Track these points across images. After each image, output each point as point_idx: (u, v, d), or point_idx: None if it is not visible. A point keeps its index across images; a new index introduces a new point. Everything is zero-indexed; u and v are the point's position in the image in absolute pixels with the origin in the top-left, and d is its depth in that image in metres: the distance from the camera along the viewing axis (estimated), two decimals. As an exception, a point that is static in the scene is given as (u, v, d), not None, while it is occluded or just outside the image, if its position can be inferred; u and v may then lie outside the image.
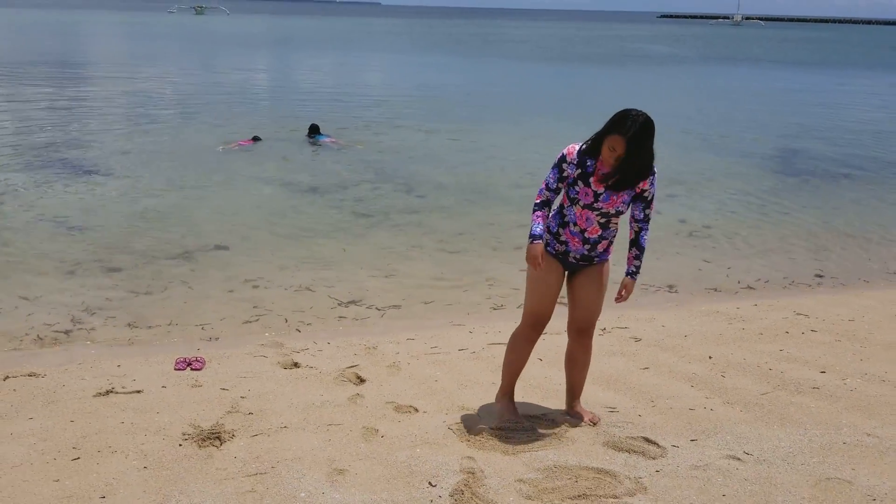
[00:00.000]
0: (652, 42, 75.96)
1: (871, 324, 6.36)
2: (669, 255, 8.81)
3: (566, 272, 4.25)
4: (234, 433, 4.19)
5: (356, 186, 11.63)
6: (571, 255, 4.14)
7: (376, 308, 6.90)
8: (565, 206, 4.09)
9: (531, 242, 4.02)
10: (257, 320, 6.51)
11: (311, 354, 5.60)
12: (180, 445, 4.05)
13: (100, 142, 14.43)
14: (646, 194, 4.02)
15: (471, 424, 4.28)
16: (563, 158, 4.04)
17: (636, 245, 4.17)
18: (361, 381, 5.04)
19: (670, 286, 7.79)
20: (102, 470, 3.78)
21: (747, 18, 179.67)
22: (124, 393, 4.80)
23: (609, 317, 6.63)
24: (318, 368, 5.28)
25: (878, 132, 19.34)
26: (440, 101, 23.37)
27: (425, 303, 7.12)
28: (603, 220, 4.03)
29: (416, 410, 4.52)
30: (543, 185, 4.10)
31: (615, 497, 3.48)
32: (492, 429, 4.21)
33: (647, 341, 5.91)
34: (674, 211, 10.74)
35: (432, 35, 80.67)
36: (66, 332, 6.17)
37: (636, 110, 3.87)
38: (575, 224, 4.05)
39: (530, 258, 4.04)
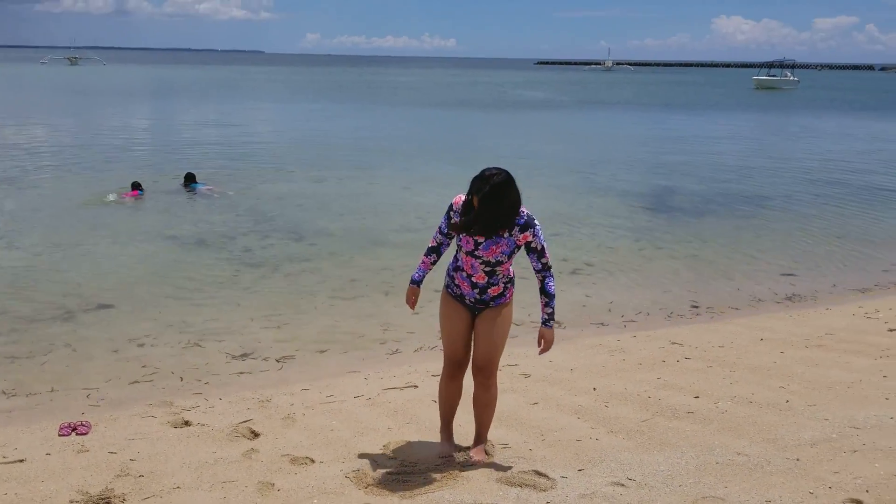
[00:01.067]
0: (530, 88, 78.84)
1: (739, 349, 6.83)
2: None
3: (472, 314, 4.39)
4: (125, 497, 4.08)
5: (244, 237, 11.52)
6: (466, 297, 4.34)
7: (269, 360, 6.85)
8: (457, 251, 4.32)
9: (409, 286, 4.44)
10: (146, 380, 6.34)
11: (203, 411, 5.51)
12: (67, 514, 3.91)
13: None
14: (533, 244, 4.22)
15: (368, 471, 4.34)
16: (450, 207, 4.30)
17: (544, 293, 4.34)
18: (255, 435, 5.00)
19: (556, 322, 8.08)
20: (-18, 547, 3.60)
21: (618, 64, 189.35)
22: (5, 463, 4.59)
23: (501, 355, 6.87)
24: (210, 425, 5.20)
25: (739, 168, 20.78)
26: (327, 147, 23.46)
27: (320, 351, 7.13)
28: (487, 269, 4.21)
29: (313, 461, 4.53)
30: (436, 231, 4.40)
31: (509, 530, 3.61)
32: (388, 474, 4.28)
33: (536, 377, 6.13)
34: (556, 250, 11.15)
35: (317, 82, 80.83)
36: (-62, 403, 5.82)
37: (493, 170, 4.16)
38: (463, 270, 4.28)
39: (406, 300, 4.47)
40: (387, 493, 4.07)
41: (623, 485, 4.07)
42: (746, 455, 4.43)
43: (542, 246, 4.26)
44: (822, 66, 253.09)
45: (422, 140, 27.18)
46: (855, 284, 9.77)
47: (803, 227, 13.17)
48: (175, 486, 4.22)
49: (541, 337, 4.39)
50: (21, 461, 4.62)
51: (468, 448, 4.59)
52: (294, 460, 4.54)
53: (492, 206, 4.06)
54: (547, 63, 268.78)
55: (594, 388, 5.77)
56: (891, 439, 4.57)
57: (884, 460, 4.28)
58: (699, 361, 6.46)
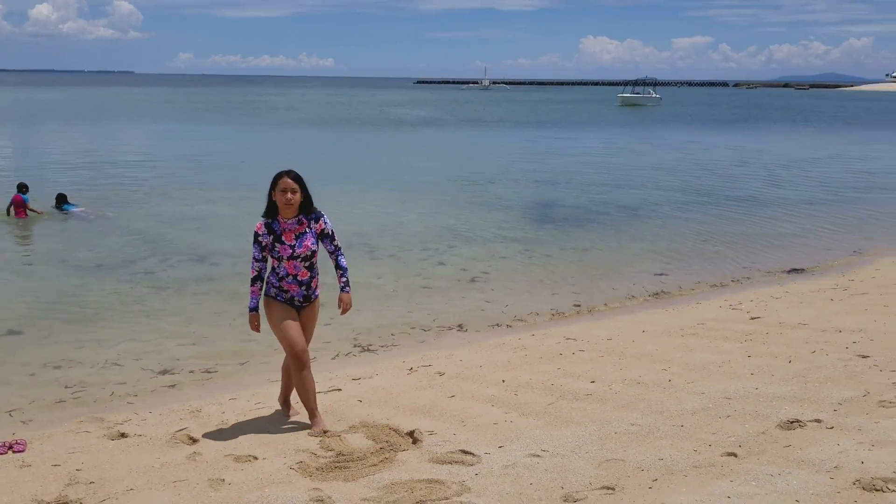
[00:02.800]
0: (412, 107, 79.98)
1: (625, 340, 7.64)
2: (456, 299, 9.78)
3: (298, 311, 5.23)
4: (82, 501, 4.32)
5: (144, 260, 11.55)
6: (296, 299, 5.18)
7: (194, 373, 7.09)
8: (276, 265, 5.12)
9: (248, 314, 5.24)
10: (72, 399, 6.49)
11: (136, 424, 5.73)
12: (28, 520, 4.12)
13: None
14: (326, 231, 5.16)
15: (310, 462, 4.74)
16: (256, 235, 5.11)
17: (339, 268, 5.26)
18: (194, 441, 5.29)
19: (460, 326, 8.71)
20: (-49, 554, 3.78)
21: (494, 83, 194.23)
22: (-54, 483, 4.69)
23: (412, 358, 7.41)
24: (147, 435, 5.44)
25: (611, 180, 22.27)
26: (214, 168, 23.33)
27: (240, 364, 7.41)
28: (307, 264, 5.13)
29: (256, 458, 4.89)
30: (252, 261, 5.14)
31: (446, 498, 4.13)
32: (329, 463, 4.71)
33: (450, 374, 6.68)
34: (455, 261, 11.84)
35: (194, 103, 78.90)
36: None
37: (282, 170, 5.14)
38: (289, 274, 5.10)
39: (250, 326, 5.27)
40: (331, 478, 4.50)
41: (538, 455, 4.67)
42: (639, 425, 5.13)
43: (332, 231, 5.19)
44: (682, 83, 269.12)
45: (308, 159, 27.36)
46: (719, 280, 10.91)
47: (671, 232, 14.44)
48: (128, 489, 4.48)
49: (340, 301, 5.28)
50: (-38, 480, 4.74)
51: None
52: (238, 458, 4.89)
53: (299, 179, 5.05)
54: (426, 82, 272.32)
55: (503, 381, 6.38)
56: (756, 405, 5.39)
57: (752, 422, 5.08)
58: (592, 353, 7.20)
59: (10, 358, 7.44)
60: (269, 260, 5.14)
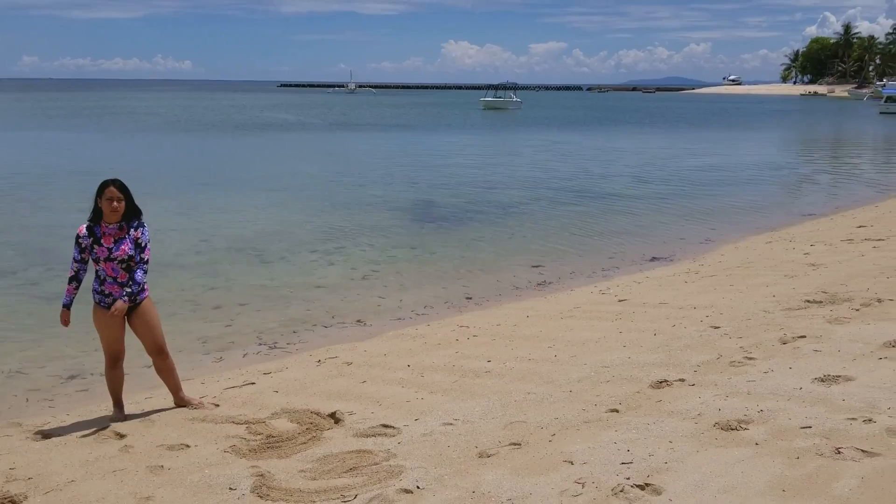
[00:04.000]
0: (278, 110, 78.96)
1: (512, 325, 8.39)
2: (351, 296, 10.26)
3: (125, 316, 5.66)
4: (26, 495, 4.53)
5: (25, 271, 11.31)
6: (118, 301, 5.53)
7: (101, 377, 7.17)
8: (96, 267, 5.55)
9: (61, 309, 5.72)
10: (-19, 407, 6.49)
11: (57, 426, 5.89)
12: (-24, 516, 4.31)
13: None
14: (140, 241, 5.57)
15: (241, 446, 5.13)
16: (77, 237, 5.57)
17: (131, 278, 5.59)
18: (122, 436, 5.53)
19: (359, 320, 9.21)
20: None
21: (360, 86, 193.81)
22: None
23: (318, 351, 7.86)
24: (72, 434, 5.63)
25: (481, 180, 23.31)
26: (79, 177, 22.48)
27: (146, 366, 7.54)
28: (124, 266, 5.54)
29: (188, 446, 5.22)
30: (72, 261, 5.61)
31: (376, 464, 4.65)
32: (260, 444, 5.12)
33: (357, 363, 7.18)
34: (344, 261, 12.30)
35: (46, 109, 74.36)
36: None
37: (108, 179, 5.60)
38: (108, 276, 5.53)
39: (61, 321, 5.76)
40: (265, 457, 4.92)
41: (451, 424, 5.28)
42: (535, 393, 5.84)
43: (146, 244, 5.62)
44: (540, 87, 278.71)
45: (177, 166, 26.91)
46: (589, 270, 11.93)
47: (543, 227, 15.50)
48: (69, 481, 4.72)
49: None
50: None
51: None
52: (170, 447, 5.20)
53: (124, 188, 5.52)
54: (290, 86, 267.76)
55: (408, 365, 6.95)
56: (630, 371, 6.22)
57: (627, 385, 5.89)
58: (484, 337, 7.90)
59: None
60: (91, 265, 5.60)
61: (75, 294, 5.67)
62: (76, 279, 5.64)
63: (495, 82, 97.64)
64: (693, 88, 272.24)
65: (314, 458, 4.85)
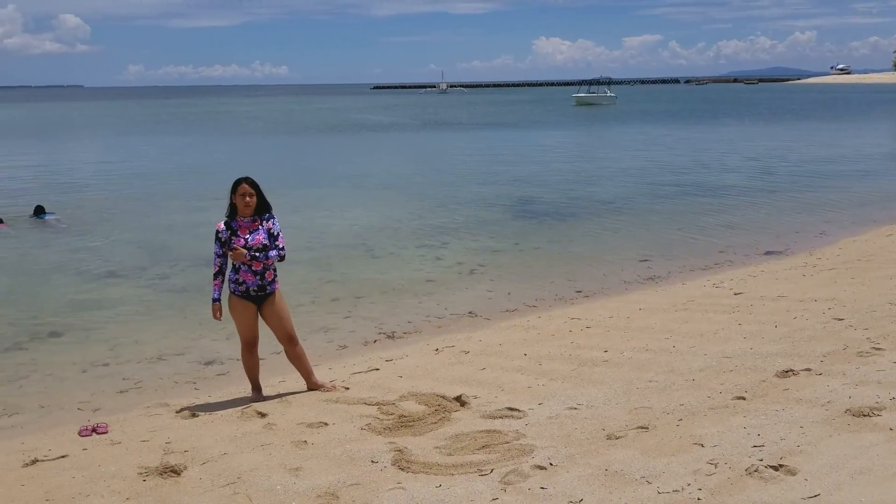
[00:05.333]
0: (372, 112, 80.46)
1: (625, 317, 8.42)
2: (460, 290, 10.50)
3: (257, 306, 6.07)
4: (185, 465, 4.93)
5: (154, 267, 12.05)
6: (251, 289, 5.97)
7: (237, 362, 7.65)
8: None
9: (212, 304, 6.07)
10: (133, 389, 7.07)
11: (204, 405, 6.34)
12: (144, 480, 4.72)
13: None
14: (273, 231, 6.01)
15: (376, 425, 5.42)
16: (217, 233, 5.99)
17: (265, 257, 5.98)
18: (263, 415, 5.91)
19: (470, 312, 9.43)
20: (90, 508, 4.38)
21: (451, 86, 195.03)
22: (51, 459, 5.25)
23: (436, 339, 8.11)
24: (218, 413, 6.06)
25: (580, 176, 23.25)
26: (198, 177, 23.68)
27: (276, 352, 8.00)
28: (259, 256, 5.91)
29: (326, 424, 5.54)
30: (214, 257, 6.00)
31: (507, 442, 4.84)
32: (394, 423, 5.39)
33: (474, 352, 7.39)
34: (451, 256, 12.57)
35: (154, 116, 78.31)
36: (-59, 427, 6.28)
37: (241, 177, 6.04)
38: (243, 266, 5.94)
39: (213, 315, 6.10)
40: (400, 435, 5.18)
41: (576, 408, 5.41)
42: (656, 381, 5.90)
43: (278, 232, 6.06)
44: (635, 82, 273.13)
45: (280, 167, 27.88)
46: (700, 264, 11.79)
47: (648, 221, 15.37)
48: (222, 453, 5.10)
49: (280, 301, 6.18)
50: (65, 456, 5.30)
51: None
52: (310, 425, 5.53)
53: (255, 185, 5.95)
54: (383, 87, 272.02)
55: (525, 354, 7.11)
56: (753, 361, 6.19)
57: (752, 374, 5.88)
58: (598, 328, 7.98)
59: (58, 358, 7.96)
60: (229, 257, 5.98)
61: (222, 288, 6.06)
62: (220, 273, 6.05)
63: (588, 78, 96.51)
64: (798, 79, 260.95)
65: (446, 436, 5.08)
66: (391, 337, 8.59)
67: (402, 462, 4.67)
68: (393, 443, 5.01)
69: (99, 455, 5.27)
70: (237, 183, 5.98)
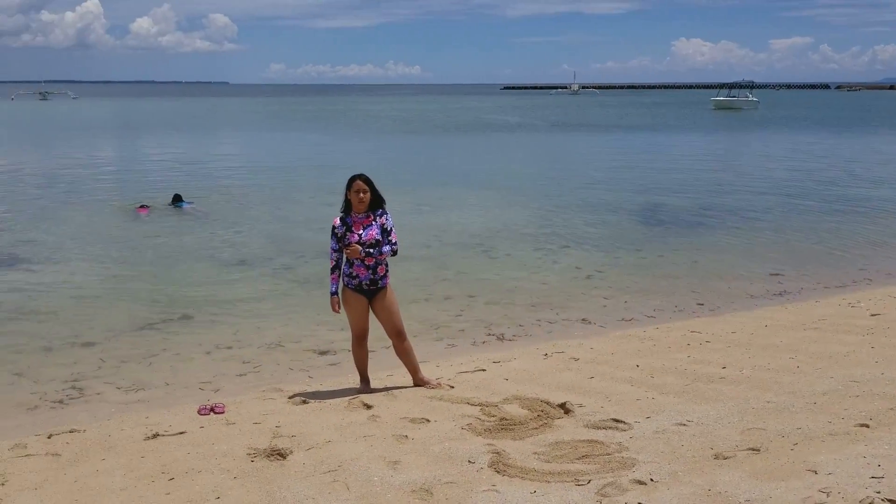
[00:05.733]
0: (502, 112, 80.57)
1: (749, 333, 8.02)
2: (576, 295, 10.33)
3: (368, 299, 6.22)
4: (291, 449, 5.10)
5: (280, 257, 12.56)
6: (363, 283, 6.14)
7: (349, 353, 7.86)
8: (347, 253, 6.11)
9: (330, 297, 6.26)
10: (252, 373, 7.41)
11: (315, 392, 6.55)
12: (252, 461, 4.93)
13: (5, 231, 14.60)
14: (386, 226, 6.16)
15: (477, 425, 5.41)
16: (332, 228, 6.18)
17: (378, 252, 6.11)
18: (369, 407, 6.04)
19: (584, 319, 9.26)
20: (201, 482, 4.61)
21: (584, 87, 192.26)
22: (171, 435, 5.57)
23: (546, 345, 8.02)
24: (327, 401, 6.24)
25: (713, 183, 22.33)
26: (324, 173, 24.50)
27: (385, 347, 8.16)
28: (373, 251, 6.04)
29: (429, 421, 5.59)
30: (330, 252, 6.20)
31: (608, 454, 4.72)
32: (495, 425, 5.37)
33: (584, 360, 7.25)
34: (569, 260, 12.39)
35: (293, 113, 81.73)
36: (78, 396, 6.81)
37: (355, 174, 6.19)
38: (357, 260, 6.08)
39: (332, 307, 6.29)
40: (500, 437, 5.15)
41: (685, 425, 5.20)
42: (774, 402, 5.59)
43: (391, 228, 6.21)
44: (780, 86, 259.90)
45: (409, 164, 28.40)
46: (835, 281, 11.07)
47: (782, 234, 14.57)
48: (326, 441, 5.25)
49: (391, 296, 6.33)
50: (183, 433, 5.61)
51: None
52: (412, 420, 5.60)
53: (369, 181, 6.12)
54: (514, 88, 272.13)
55: (637, 365, 6.91)
56: (884, 387, 5.75)
57: (880, 400, 5.46)
58: (718, 343, 7.64)
59: (186, 339, 8.44)
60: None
61: (339, 282, 6.25)
62: (337, 268, 6.23)
63: (729, 81, 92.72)
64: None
65: (546, 442, 5.01)
66: (501, 339, 8.56)
67: (499, 465, 4.64)
68: (492, 444, 4.99)
69: (214, 433, 5.54)
70: (352, 179, 6.15)
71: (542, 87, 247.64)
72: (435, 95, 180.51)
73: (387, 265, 6.28)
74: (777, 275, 11.42)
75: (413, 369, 6.55)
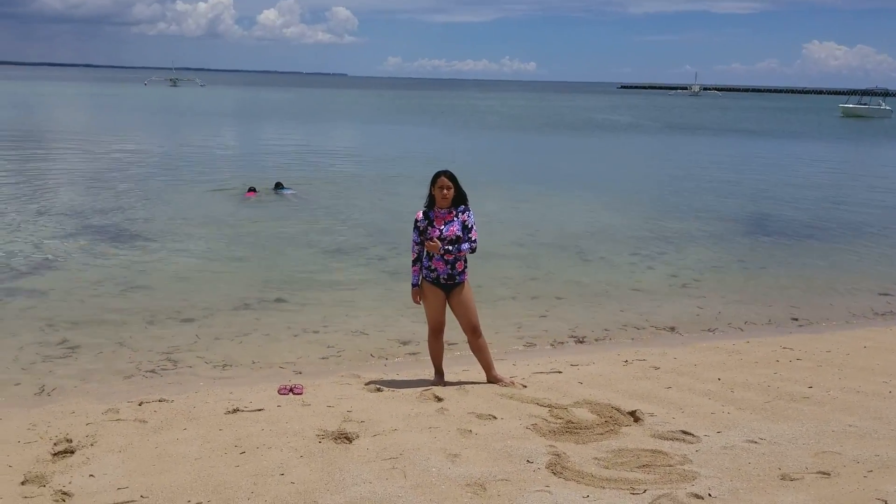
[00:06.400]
0: (613, 112, 79.07)
1: (846, 354, 7.64)
2: (667, 303, 10.09)
3: (445, 293, 6.32)
4: (358, 434, 5.27)
5: (374, 247, 12.87)
6: (441, 277, 6.25)
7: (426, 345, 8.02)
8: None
9: (412, 289, 6.41)
10: (333, 357, 7.66)
11: (390, 381, 6.71)
12: (320, 442, 5.12)
13: (123, 209, 15.56)
14: (467, 223, 6.25)
15: (543, 425, 5.42)
16: (415, 222, 6.31)
17: (458, 250, 6.22)
18: (439, 399, 6.14)
19: (671, 328, 9.05)
20: (269, 458, 4.83)
21: (705, 89, 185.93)
22: (250, 411, 5.85)
23: (628, 351, 7.89)
24: (400, 391, 6.38)
25: (831, 195, 21.19)
26: (429, 166, 24.78)
27: (465, 342, 8.25)
28: (451, 248, 6.13)
29: (495, 418, 5.64)
30: (412, 245, 6.34)
31: (670, 465, 4.63)
32: (560, 427, 5.36)
33: (665, 369, 7.10)
34: (664, 267, 12.10)
35: (400, 106, 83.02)
36: (172, 368, 7.23)
37: (440, 170, 6.29)
38: (436, 254, 6.18)
39: (413, 298, 6.46)
40: (564, 440, 5.14)
41: (756, 442, 5.04)
42: (857, 427, 5.32)
43: (473, 225, 6.29)
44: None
45: (510, 161, 28.40)
46: (953, 306, 10.35)
47: (898, 253, 13.73)
48: (392, 429, 5.38)
49: (468, 292, 6.40)
50: (261, 410, 5.87)
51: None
52: (479, 416, 5.66)
53: (453, 178, 6.18)
54: (631, 87, 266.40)
55: (718, 378, 6.71)
56: None
57: (979, 436, 5.12)
58: (809, 362, 7.31)
59: (278, 321, 8.79)
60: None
61: (419, 273, 6.39)
62: (419, 260, 6.37)
63: (863, 87, 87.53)
64: None
65: (609, 448, 4.96)
66: (582, 342, 8.49)
67: (557, 466, 4.64)
68: (553, 446, 4.99)
69: (289, 413, 5.78)
70: (437, 176, 6.26)
71: (660, 88, 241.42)
72: (548, 93, 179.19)
73: (466, 261, 6.35)
74: (886, 294, 10.79)
75: (487, 366, 6.60)
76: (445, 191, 6.20)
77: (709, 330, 9.03)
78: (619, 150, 35.65)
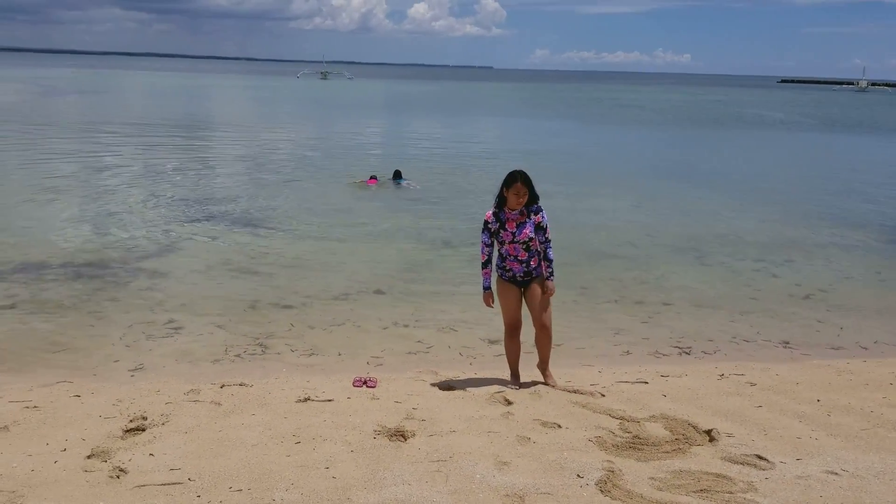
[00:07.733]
0: (766, 107, 74.71)
1: (978, 382, 6.82)
2: (784, 314, 9.41)
3: (521, 289, 6.21)
4: (414, 433, 5.23)
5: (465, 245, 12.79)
6: (517, 275, 6.19)
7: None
8: (500, 248, 6.21)
9: (483, 292, 6.27)
10: (418, 352, 7.69)
11: (466, 380, 6.63)
12: (374, 438, 5.12)
13: (248, 196, 16.34)
14: (542, 224, 6.10)
15: (608, 438, 5.17)
16: (486, 223, 6.18)
17: (546, 258, 6.20)
18: (509, 402, 6.00)
19: (785, 342, 8.41)
20: (320, 450, 4.88)
21: (874, 84, 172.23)
22: (319, 401, 5.94)
23: (727, 365, 7.41)
24: (471, 392, 6.28)
25: None
26: (554, 163, 24.44)
27: (556, 344, 8.02)
28: (525, 247, 6.10)
29: (560, 426, 5.43)
30: (482, 246, 6.21)
31: (730, 493, 4.29)
32: (625, 442, 5.09)
33: (762, 386, 6.60)
34: (790, 276, 11.29)
35: (546, 98, 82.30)
36: (260, 354, 7.49)
37: (515, 170, 6.12)
38: (510, 255, 6.15)
39: (484, 302, 6.30)
40: (625, 456, 4.88)
41: (837, 473, 4.57)
42: (967, 468, 4.72)
43: (546, 225, 6.13)
44: None
45: (644, 158, 27.45)
46: None
47: None
48: (451, 430, 5.30)
49: (545, 286, 6.21)
50: (330, 400, 5.95)
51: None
52: (544, 424, 5.48)
53: (528, 181, 6.04)
54: (792, 81, 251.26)
55: (818, 400, 6.16)
56: None
57: None
58: (932, 388, 6.58)
59: (370, 313, 8.90)
60: (496, 245, 6.20)
61: (491, 276, 6.29)
62: (489, 263, 6.27)
63: None
64: None
65: (670, 469, 4.66)
66: (683, 352, 8.04)
67: (606, 484, 4.41)
68: (610, 462, 4.75)
69: (356, 405, 5.83)
70: (512, 179, 6.08)
71: (823, 82, 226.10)
72: (700, 87, 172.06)
73: (540, 257, 6.22)
74: None
75: (543, 359, 6.51)
76: (521, 197, 6.06)
77: (828, 346, 8.33)
78: (761, 147, 33.62)
